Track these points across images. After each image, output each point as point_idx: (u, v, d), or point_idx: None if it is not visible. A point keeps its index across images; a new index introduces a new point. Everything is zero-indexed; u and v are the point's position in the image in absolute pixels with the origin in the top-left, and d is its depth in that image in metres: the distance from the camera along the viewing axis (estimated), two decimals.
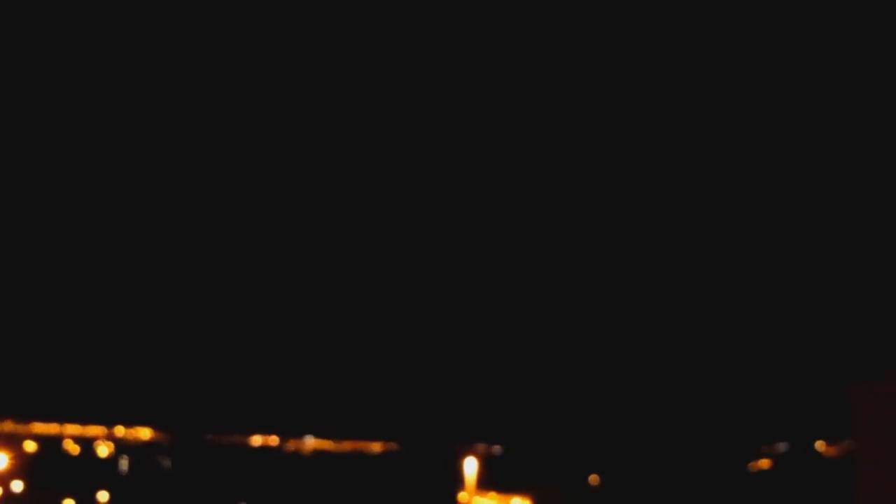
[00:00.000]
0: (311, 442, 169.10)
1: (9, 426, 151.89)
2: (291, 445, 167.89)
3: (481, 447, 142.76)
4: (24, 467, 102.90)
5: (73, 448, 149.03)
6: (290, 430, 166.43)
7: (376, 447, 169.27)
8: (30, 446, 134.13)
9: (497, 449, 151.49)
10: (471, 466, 46.20)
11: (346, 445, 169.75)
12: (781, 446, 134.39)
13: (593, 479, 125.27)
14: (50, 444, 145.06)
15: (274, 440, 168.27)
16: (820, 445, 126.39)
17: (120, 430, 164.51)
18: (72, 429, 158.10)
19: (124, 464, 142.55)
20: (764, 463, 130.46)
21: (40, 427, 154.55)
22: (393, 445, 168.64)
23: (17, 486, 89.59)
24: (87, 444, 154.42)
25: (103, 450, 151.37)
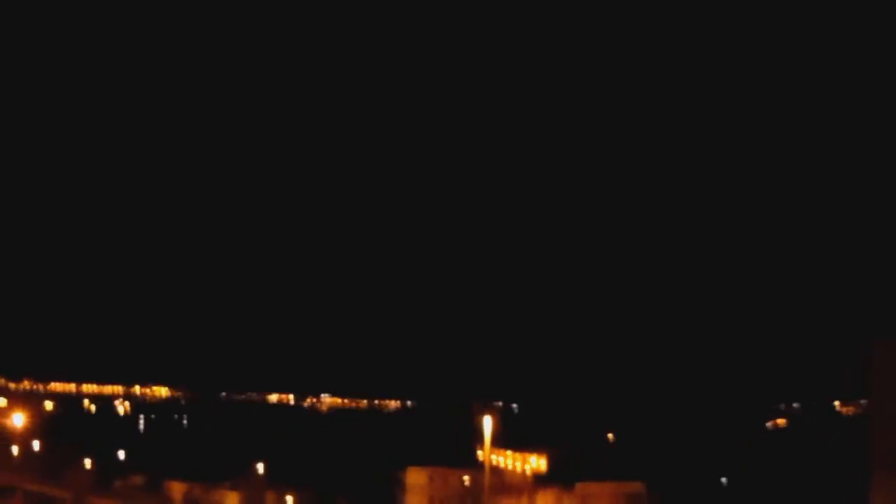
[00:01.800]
0: (327, 400, 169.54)
1: (27, 385, 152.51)
2: (308, 403, 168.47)
3: (498, 405, 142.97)
4: (42, 426, 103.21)
5: (90, 407, 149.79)
6: (308, 388, 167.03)
7: (393, 405, 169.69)
8: (48, 406, 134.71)
9: (514, 407, 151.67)
10: (488, 424, 46.26)
11: (363, 403, 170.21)
12: (797, 405, 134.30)
13: (609, 436, 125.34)
14: (68, 403, 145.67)
15: (290, 398, 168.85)
16: (836, 404, 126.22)
17: (137, 389, 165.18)
18: (89, 388, 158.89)
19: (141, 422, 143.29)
20: (780, 421, 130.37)
21: (58, 386, 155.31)
22: (410, 403, 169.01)
23: (35, 444, 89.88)
24: (104, 402, 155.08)
25: (120, 409, 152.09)
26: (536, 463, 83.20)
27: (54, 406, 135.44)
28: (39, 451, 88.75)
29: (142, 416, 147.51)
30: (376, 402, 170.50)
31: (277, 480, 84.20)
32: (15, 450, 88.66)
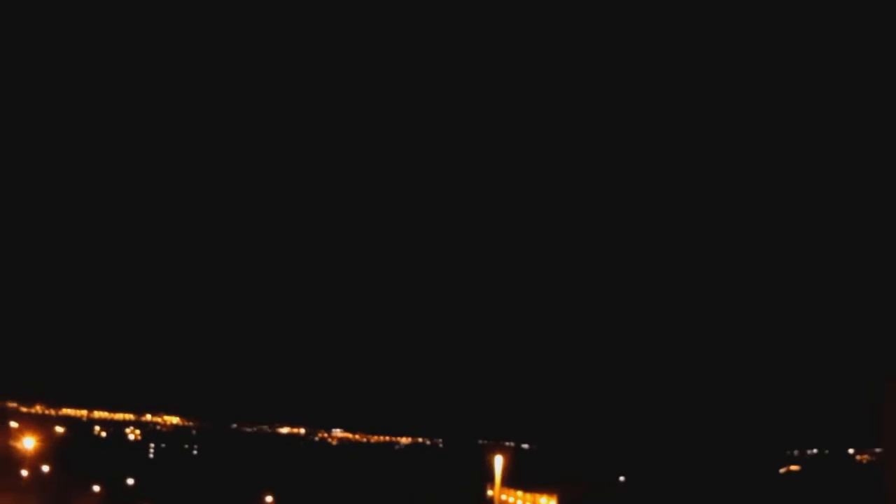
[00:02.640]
0: (338, 434, 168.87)
1: (39, 410, 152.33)
2: (319, 437, 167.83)
3: (510, 445, 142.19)
4: (52, 451, 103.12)
5: (101, 433, 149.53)
6: (320, 422, 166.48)
7: (405, 441, 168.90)
8: (59, 430, 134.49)
9: (525, 447, 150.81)
10: (499, 463, 45.96)
11: (374, 439, 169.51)
12: (812, 451, 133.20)
13: (621, 478, 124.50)
14: (79, 429, 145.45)
15: (301, 431, 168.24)
16: (851, 451, 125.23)
17: (148, 417, 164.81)
18: (100, 414, 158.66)
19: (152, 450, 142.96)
20: (794, 467, 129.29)
21: (69, 411, 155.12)
22: (422, 440, 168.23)
23: (45, 468, 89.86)
24: (115, 428, 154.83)
25: (131, 436, 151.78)
26: (547, 503, 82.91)
27: (65, 431, 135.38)
28: (49, 476, 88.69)
29: (152, 444, 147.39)
30: (388, 437, 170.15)
31: None
32: (24, 473, 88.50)
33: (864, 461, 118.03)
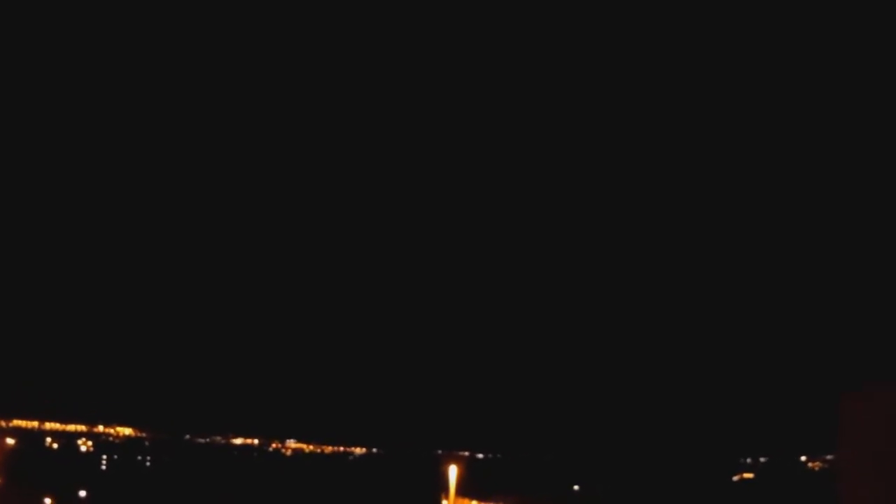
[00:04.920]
0: (292, 444, 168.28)
1: None
2: (273, 447, 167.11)
3: (464, 454, 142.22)
4: (3, 462, 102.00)
5: (53, 445, 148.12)
6: (274, 433, 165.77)
7: (359, 451, 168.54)
8: (10, 442, 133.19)
9: (480, 456, 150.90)
10: (453, 473, 45.94)
11: (328, 449, 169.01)
12: (764, 459, 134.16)
13: (575, 487, 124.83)
14: (30, 440, 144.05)
15: (255, 442, 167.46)
16: (803, 458, 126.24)
17: (100, 428, 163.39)
18: (52, 425, 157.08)
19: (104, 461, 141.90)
20: (747, 475, 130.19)
21: (20, 423, 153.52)
22: (375, 450, 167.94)
23: None
24: (67, 440, 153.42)
25: (83, 447, 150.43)
26: None
27: (16, 443, 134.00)
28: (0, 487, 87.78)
29: (104, 456, 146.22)
30: (341, 448, 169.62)
31: None
32: None
33: (817, 468, 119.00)
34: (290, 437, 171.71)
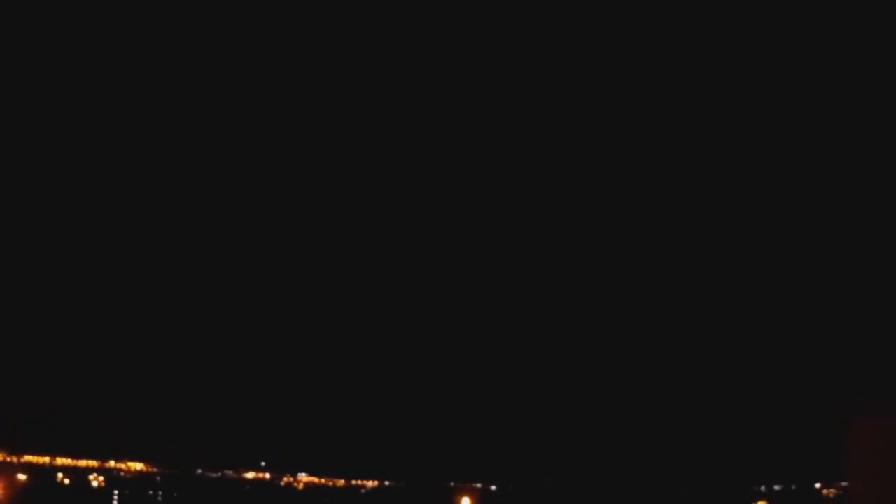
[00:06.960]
0: (304, 478, 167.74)
1: (1, 457, 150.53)
2: (285, 482, 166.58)
3: (477, 486, 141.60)
4: (15, 498, 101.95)
5: (64, 480, 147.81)
6: (285, 467, 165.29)
7: (371, 484, 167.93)
8: (21, 478, 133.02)
9: (493, 488, 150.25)
10: None
11: (341, 482, 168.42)
12: (778, 487, 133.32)
13: None
14: (41, 476, 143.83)
15: (266, 476, 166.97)
16: (818, 485, 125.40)
17: (112, 463, 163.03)
18: (63, 461, 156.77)
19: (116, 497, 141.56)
20: (762, 502, 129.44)
21: (31, 458, 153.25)
22: (388, 482, 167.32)
23: None
24: (79, 475, 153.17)
25: (94, 483, 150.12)
26: None
27: (27, 478, 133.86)
28: None
29: (116, 491, 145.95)
30: (353, 481, 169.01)
31: None
32: None
33: (832, 495, 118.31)
34: (301, 471, 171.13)
